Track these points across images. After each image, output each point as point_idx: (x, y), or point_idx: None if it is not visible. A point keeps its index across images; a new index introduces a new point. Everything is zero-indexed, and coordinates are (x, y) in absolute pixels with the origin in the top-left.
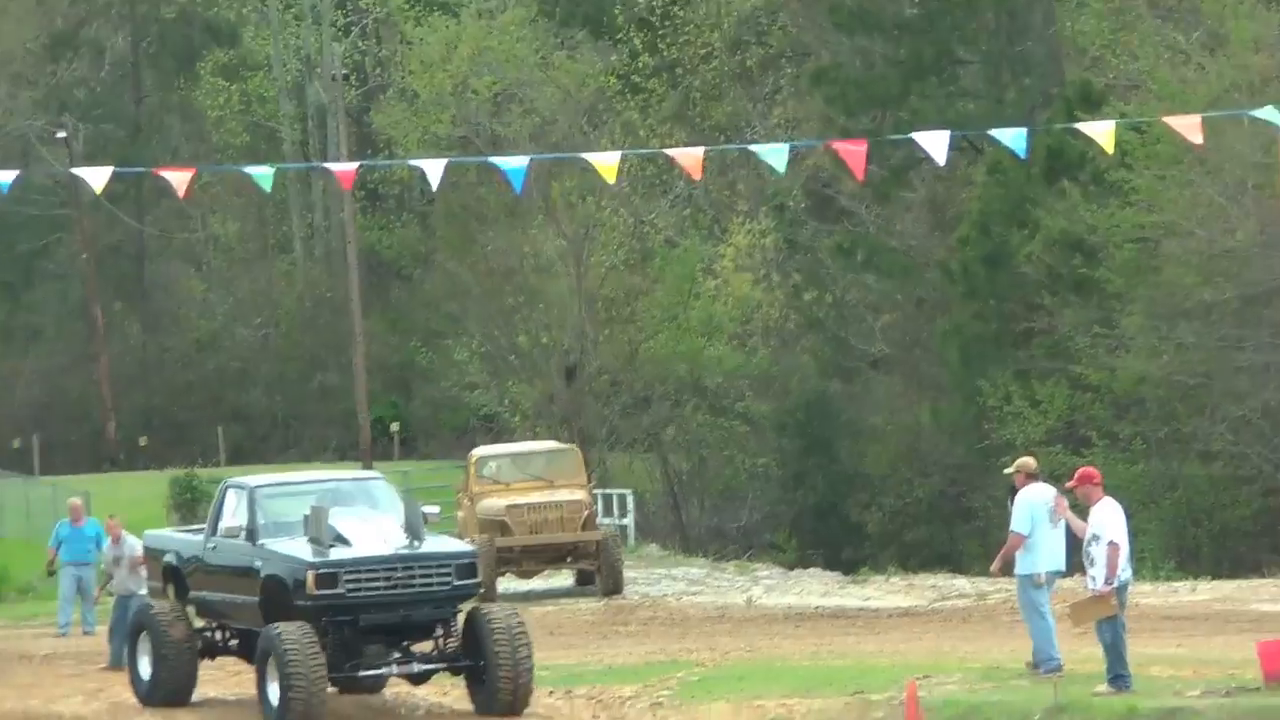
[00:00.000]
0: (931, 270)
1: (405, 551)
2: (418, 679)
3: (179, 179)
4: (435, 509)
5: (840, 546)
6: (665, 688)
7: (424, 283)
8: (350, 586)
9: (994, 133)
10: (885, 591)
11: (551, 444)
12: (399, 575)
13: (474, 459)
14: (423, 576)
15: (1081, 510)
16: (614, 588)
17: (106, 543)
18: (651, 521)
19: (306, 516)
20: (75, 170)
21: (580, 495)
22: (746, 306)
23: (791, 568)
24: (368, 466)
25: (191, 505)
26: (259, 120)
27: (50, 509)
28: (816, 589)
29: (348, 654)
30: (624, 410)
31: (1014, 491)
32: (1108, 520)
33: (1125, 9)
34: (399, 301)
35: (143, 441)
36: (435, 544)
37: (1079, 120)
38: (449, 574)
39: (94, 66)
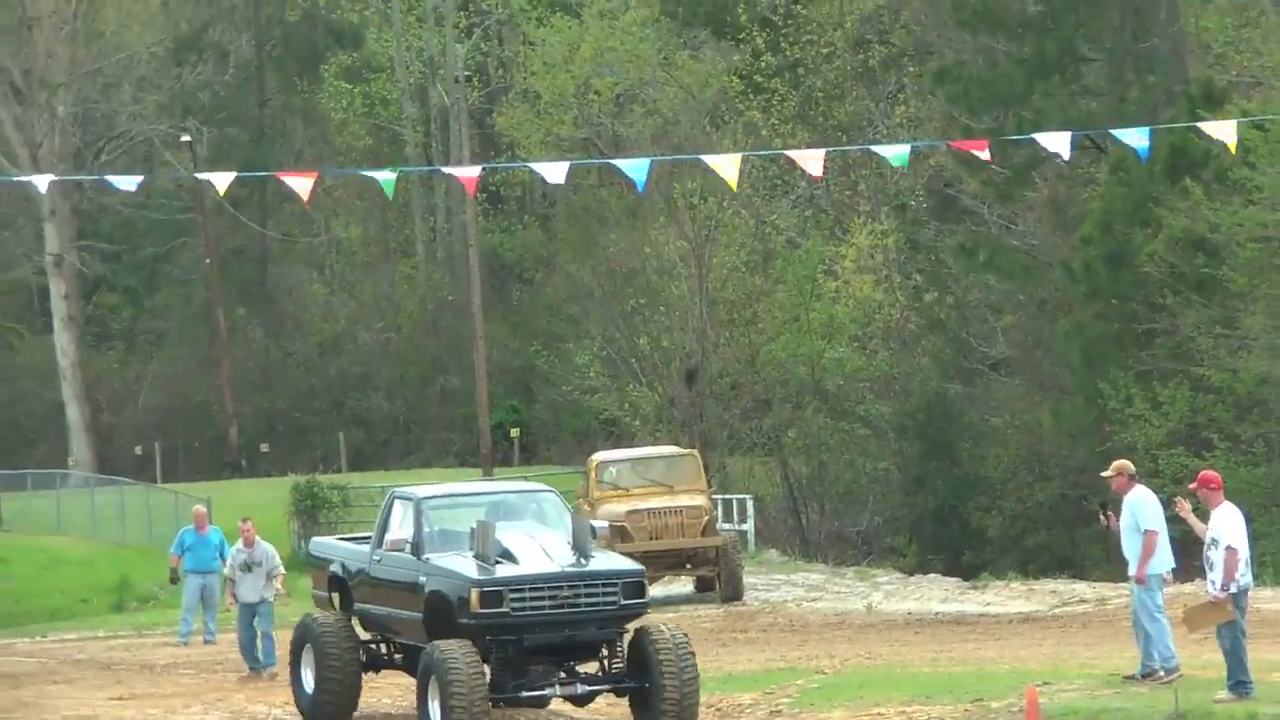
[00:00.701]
0: (1054, 270)
1: (571, 569)
2: (582, 700)
3: (302, 183)
4: (604, 524)
5: (960, 551)
6: (784, 695)
7: (545, 285)
8: (515, 605)
9: (1116, 132)
10: (1005, 597)
11: (672, 449)
12: (565, 594)
13: (594, 464)
14: (589, 595)
15: (1202, 514)
16: (734, 594)
17: (235, 546)
18: (771, 526)
19: (473, 530)
20: (199, 174)
21: (700, 501)
22: (867, 308)
23: (911, 573)
24: (488, 472)
25: (313, 511)
26: (382, 123)
27: (172, 516)
28: (936, 594)
29: (512, 673)
30: (744, 414)
31: (1103, 509)
32: (1227, 525)
33: (1249, 4)
34: (520, 305)
35: (264, 447)
36: (602, 561)
37: (1202, 119)
38: (615, 593)
39: (218, 70)
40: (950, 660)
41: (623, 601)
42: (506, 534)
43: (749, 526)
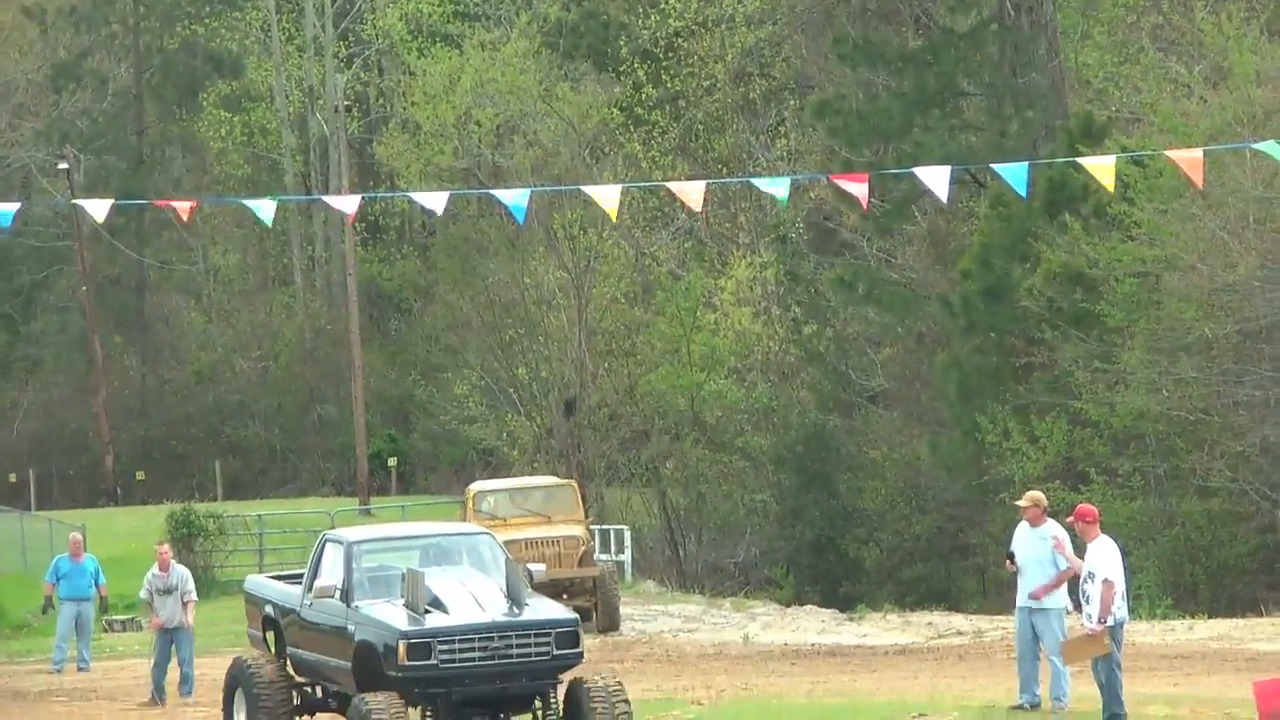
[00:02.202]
0: (932, 304)
1: (503, 619)
2: None
3: (181, 206)
4: (541, 567)
5: (838, 582)
6: None
7: (424, 315)
8: (444, 657)
9: (996, 167)
10: (882, 629)
11: (549, 479)
12: (495, 645)
13: (471, 494)
14: (520, 646)
15: (1079, 548)
16: (610, 624)
17: (152, 571)
18: (649, 557)
19: (403, 577)
20: (76, 201)
21: (577, 531)
22: (746, 340)
23: (788, 604)
24: (364, 501)
25: (189, 540)
26: (261, 152)
27: (47, 544)
28: (813, 626)
29: None
30: (622, 444)
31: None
32: (1104, 558)
33: (1128, 42)
34: (399, 334)
35: (140, 475)
36: (536, 610)
37: (1081, 154)
38: (548, 643)
39: (96, 97)
40: (827, 692)
41: (556, 652)
42: (438, 581)
43: (626, 557)
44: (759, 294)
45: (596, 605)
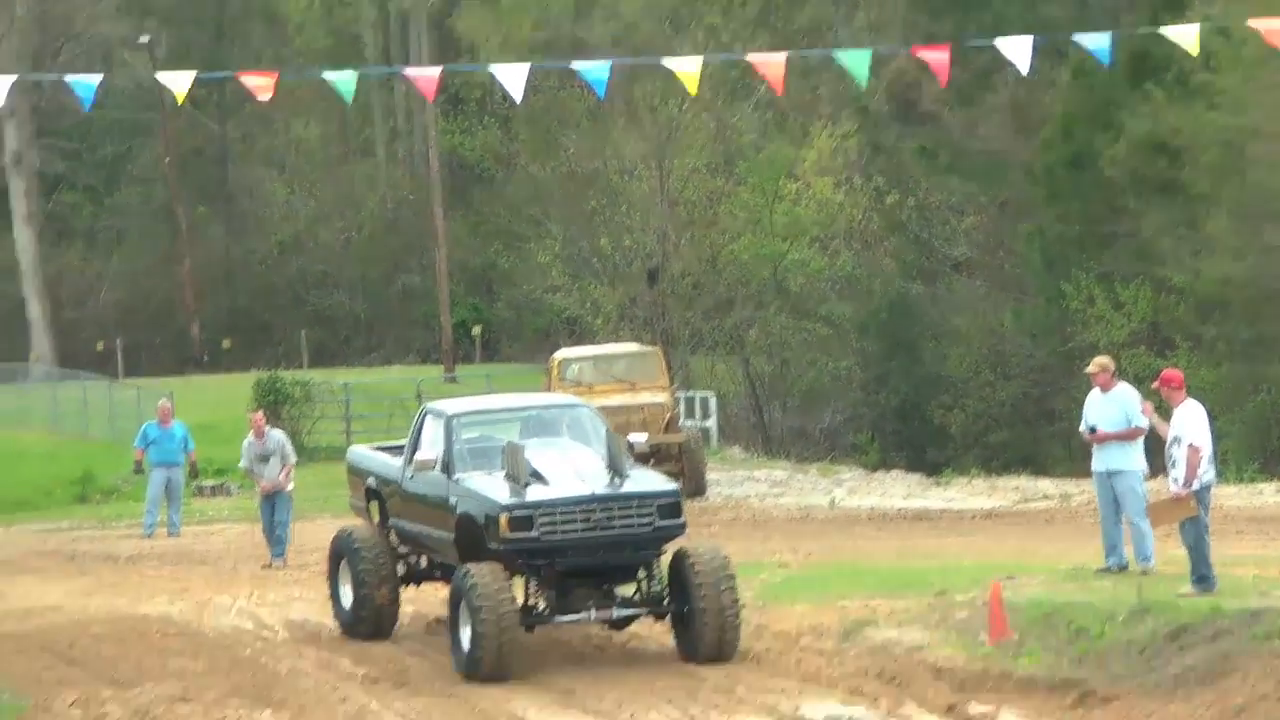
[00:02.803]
0: (1015, 173)
1: (604, 491)
2: (618, 624)
3: (260, 84)
4: (643, 437)
5: (923, 449)
6: (748, 589)
7: (506, 186)
8: (546, 529)
9: (1078, 37)
10: (968, 493)
11: (634, 346)
12: (597, 516)
13: (556, 362)
14: (622, 517)
15: (1165, 413)
16: (697, 490)
17: (247, 440)
18: (734, 424)
19: (503, 449)
20: (158, 75)
21: (662, 398)
22: (829, 210)
23: (874, 470)
24: (449, 370)
25: (275, 407)
26: (341, 25)
27: (135, 411)
28: (899, 491)
29: (545, 598)
30: (706, 313)
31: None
32: (1190, 422)
33: None
34: (481, 204)
35: (226, 344)
36: (638, 481)
37: (1164, 23)
38: (651, 514)
39: None
40: (914, 554)
41: (658, 523)
42: (538, 453)
43: (712, 423)
44: (841, 164)
45: (683, 471)
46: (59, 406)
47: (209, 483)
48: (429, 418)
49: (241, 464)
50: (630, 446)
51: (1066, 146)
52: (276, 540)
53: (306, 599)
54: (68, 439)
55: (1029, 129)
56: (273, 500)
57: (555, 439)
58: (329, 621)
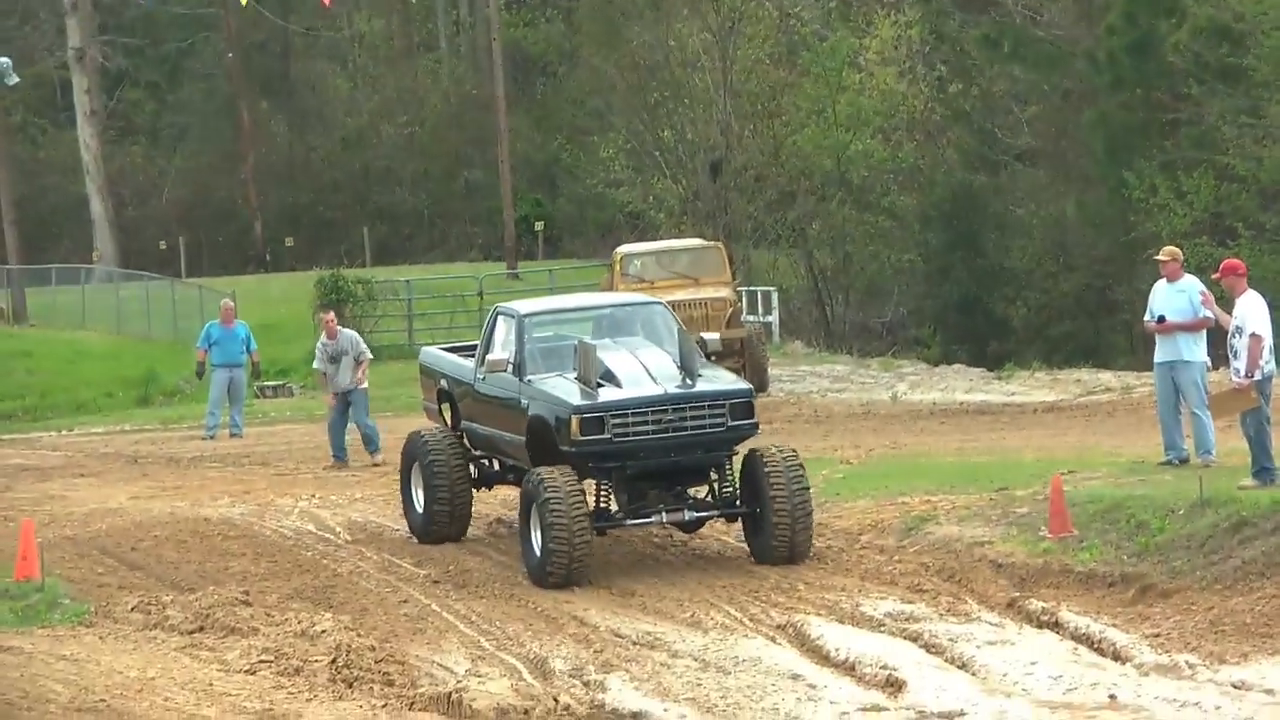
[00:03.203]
0: (1078, 60)
1: (676, 391)
2: (690, 527)
3: None
4: (715, 336)
5: (985, 341)
6: (810, 486)
7: (569, 79)
8: (617, 431)
9: None
10: (1030, 386)
11: (696, 241)
12: (669, 418)
13: (618, 257)
14: (694, 418)
15: (1226, 303)
16: (759, 385)
17: (320, 341)
18: (796, 318)
19: (575, 349)
20: None
21: (725, 292)
22: (892, 100)
23: (936, 364)
24: (512, 266)
25: (338, 305)
26: None
27: (198, 311)
28: (961, 384)
29: (616, 500)
30: (769, 206)
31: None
32: (1251, 312)
33: None
34: (544, 98)
35: (289, 242)
36: (709, 381)
37: None
38: (723, 414)
39: None
40: (975, 449)
41: (730, 423)
42: (610, 353)
43: (774, 319)
44: (904, 53)
45: (744, 366)
46: (121, 307)
47: (271, 383)
48: (500, 318)
49: (315, 365)
50: (703, 345)
51: (1129, 33)
52: (366, 438)
53: (368, 500)
54: (130, 340)
55: (1092, 16)
56: (348, 398)
57: (628, 338)
58: (390, 523)
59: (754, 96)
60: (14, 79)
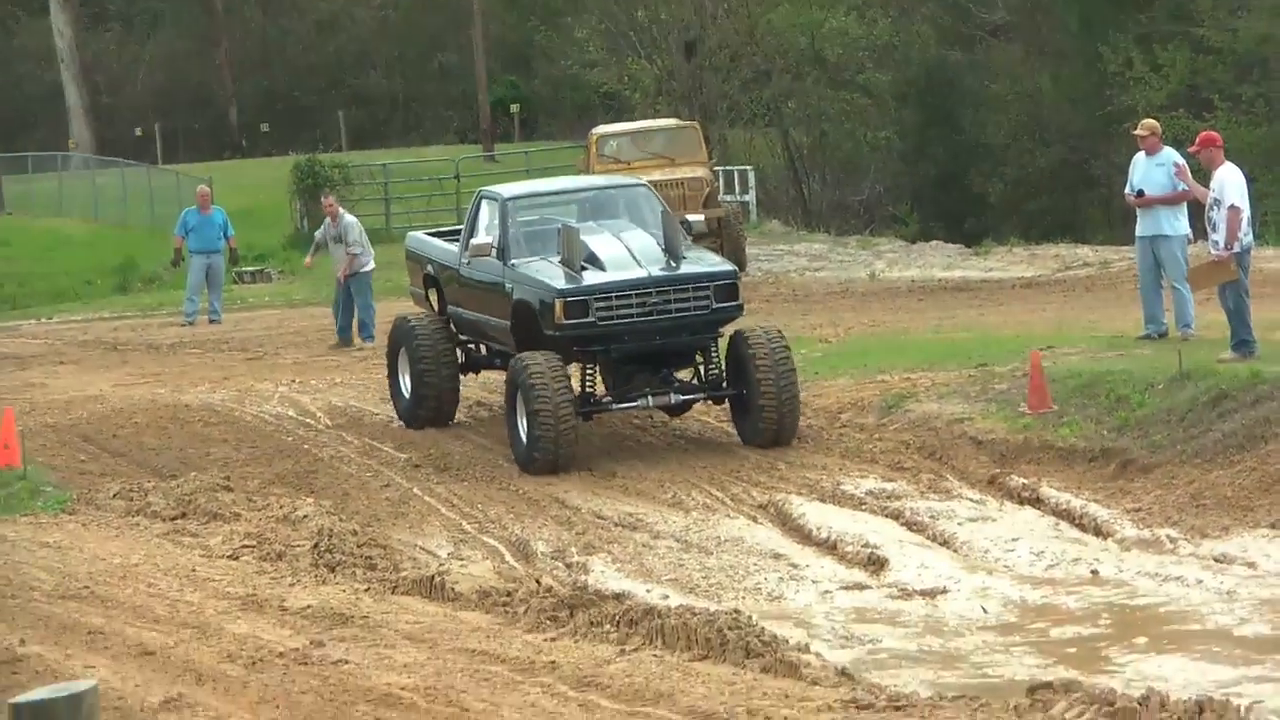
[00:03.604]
0: None
1: (660, 274)
2: (676, 410)
3: None
4: (700, 217)
5: (962, 218)
6: None
7: None
8: (601, 314)
9: None
10: (1008, 262)
11: (672, 121)
12: (653, 300)
13: (594, 138)
14: (679, 301)
15: (1203, 176)
16: (737, 265)
17: (325, 224)
18: (773, 197)
19: (558, 232)
20: None
21: (701, 172)
22: None
23: (913, 241)
24: (488, 148)
25: (314, 190)
26: None
27: (174, 197)
28: (939, 261)
29: (601, 385)
30: (744, 85)
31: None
32: (1229, 184)
33: None
34: None
35: (264, 127)
36: (694, 264)
37: None
38: (707, 296)
39: None
40: (954, 326)
41: (715, 305)
42: (593, 237)
43: (750, 198)
44: None
45: (722, 246)
46: (98, 194)
47: (249, 269)
48: (484, 202)
49: (316, 234)
50: (687, 226)
51: None
52: (362, 324)
53: (348, 384)
54: (107, 227)
55: None
56: (349, 284)
57: (612, 221)
58: (371, 407)
59: None
60: None
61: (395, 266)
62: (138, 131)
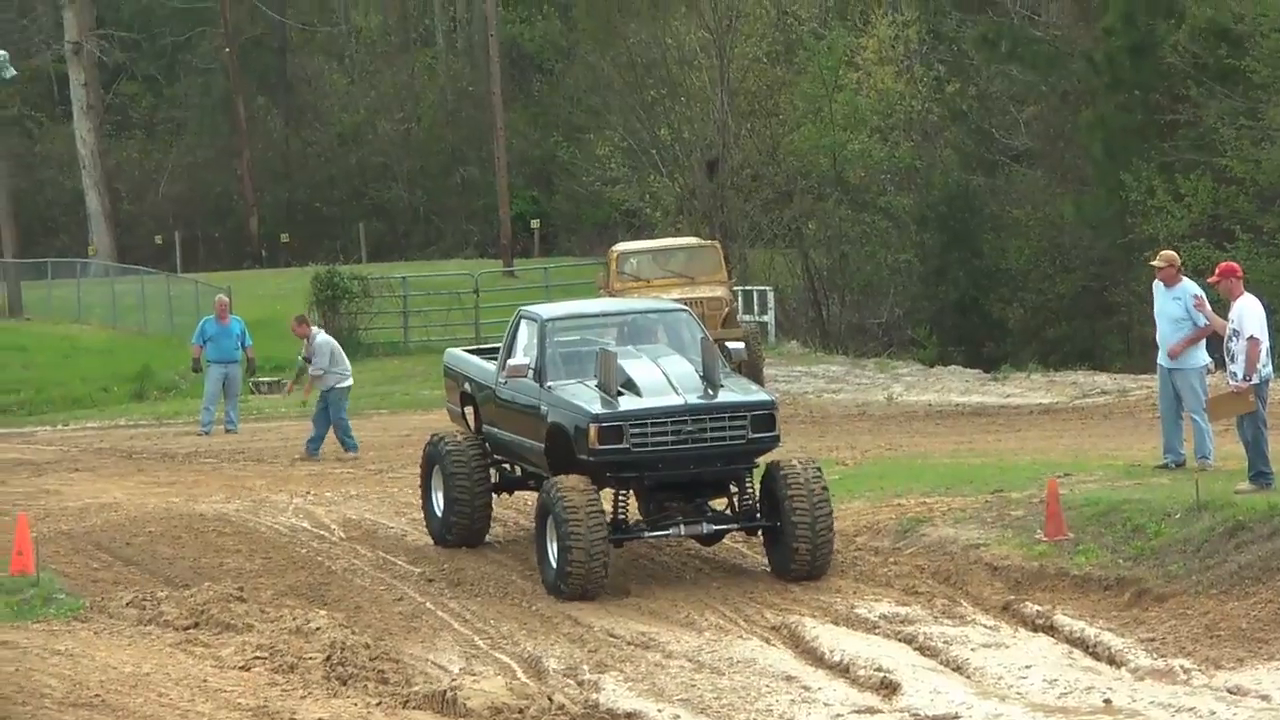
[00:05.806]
0: (1076, 61)
1: (696, 401)
2: (708, 539)
3: None
4: (740, 345)
5: (981, 343)
6: None
7: (565, 76)
8: (636, 441)
9: None
10: (1026, 389)
11: (692, 240)
12: (689, 429)
13: (614, 255)
14: (714, 430)
15: (1222, 306)
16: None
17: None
18: (792, 318)
19: (596, 356)
20: None
21: (720, 292)
22: (889, 99)
23: (932, 365)
24: (508, 263)
25: (334, 302)
26: None
27: (193, 306)
28: (957, 386)
29: (638, 510)
30: (765, 205)
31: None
32: (1248, 315)
33: None
34: (540, 95)
35: (284, 237)
36: (731, 392)
37: None
38: (744, 426)
39: None
40: (971, 451)
41: (751, 435)
42: (631, 362)
43: (769, 318)
44: (901, 52)
45: (740, 367)
46: (117, 301)
47: (266, 379)
48: (524, 322)
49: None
50: (727, 354)
51: (1128, 34)
52: (340, 439)
53: (363, 497)
54: (125, 334)
55: (1090, 16)
56: (324, 399)
57: (650, 346)
58: (385, 520)
59: (751, 95)
60: (11, 72)
61: (407, 380)
62: (158, 239)
